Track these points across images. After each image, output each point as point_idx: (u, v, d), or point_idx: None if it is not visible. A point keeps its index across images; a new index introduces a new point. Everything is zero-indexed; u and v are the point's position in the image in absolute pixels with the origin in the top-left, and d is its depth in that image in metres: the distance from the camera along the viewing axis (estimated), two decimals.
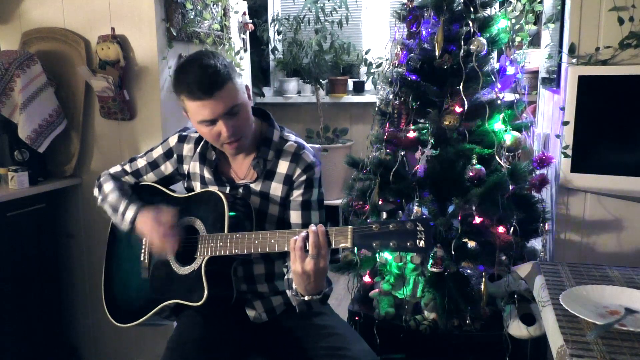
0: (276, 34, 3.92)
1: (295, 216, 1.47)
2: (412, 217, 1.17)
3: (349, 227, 1.21)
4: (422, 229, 1.15)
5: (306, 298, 1.30)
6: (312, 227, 1.23)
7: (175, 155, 1.58)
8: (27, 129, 2.09)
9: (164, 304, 1.45)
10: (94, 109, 2.28)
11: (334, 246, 1.22)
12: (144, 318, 1.50)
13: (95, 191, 1.65)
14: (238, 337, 1.45)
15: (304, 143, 1.53)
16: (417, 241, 1.14)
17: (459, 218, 1.85)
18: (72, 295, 2.45)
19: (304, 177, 1.46)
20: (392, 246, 1.16)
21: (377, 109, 2.17)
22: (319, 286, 1.28)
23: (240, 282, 1.52)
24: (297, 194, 1.47)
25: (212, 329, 1.39)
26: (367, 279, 2.12)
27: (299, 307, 1.37)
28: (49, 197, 2.24)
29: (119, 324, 1.56)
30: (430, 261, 1.89)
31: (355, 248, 1.22)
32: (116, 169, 1.66)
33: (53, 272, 2.32)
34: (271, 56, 4.01)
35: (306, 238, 1.22)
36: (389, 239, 1.16)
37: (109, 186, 1.60)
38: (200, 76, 1.32)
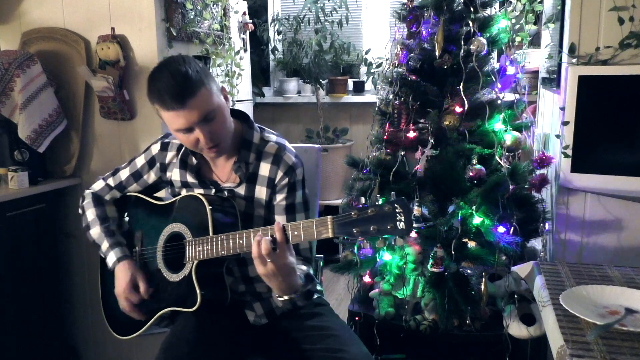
0: (276, 34, 3.92)
1: (280, 221, 1.45)
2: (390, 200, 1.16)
3: (329, 217, 1.20)
4: (401, 210, 1.13)
5: (286, 297, 1.31)
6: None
7: (158, 164, 1.57)
8: (27, 129, 2.09)
9: (160, 312, 1.45)
10: (94, 109, 2.28)
11: (316, 238, 1.21)
12: (143, 329, 1.50)
13: (80, 211, 1.65)
14: (235, 339, 1.44)
15: (285, 143, 1.52)
16: (397, 223, 1.13)
17: (459, 218, 1.85)
18: (72, 295, 2.45)
19: (285, 181, 1.45)
20: (372, 231, 1.15)
21: (377, 109, 2.17)
22: (292, 284, 1.28)
23: (238, 283, 1.52)
24: (280, 198, 1.46)
25: (207, 331, 1.39)
26: (367, 279, 2.13)
27: (284, 306, 1.38)
28: (49, 197, 2.24)
29: (120, 337, 1.56)
30: (431, 261, 1.90)
31: (339, 237, 1.22)
32: (100, 185, 1.64)
33: (53, 272, 2.32)
34: (271, 56, 4.02)
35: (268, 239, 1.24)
36: (369, 224, 1.15)
37: (91, 214, 1.59)
38: (171, 85, 1.28)
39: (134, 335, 1.53)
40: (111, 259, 1.51)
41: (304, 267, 1.43)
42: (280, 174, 1.45)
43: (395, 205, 1.14)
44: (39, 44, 2.28)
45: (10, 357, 2.10)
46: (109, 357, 2.45)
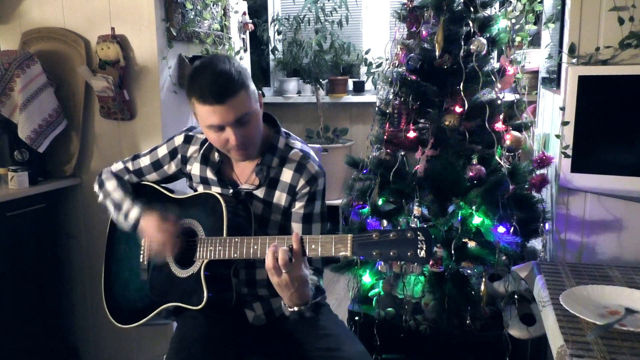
0: (276, 34, 3.92)
1: (296, 229, 1.47)
2: (412, 225, 1.17)
3: (349, 235, 1.20)
4: (423, 238, 1.14)
5: (295, 309, 1.31)
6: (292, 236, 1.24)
7: (179, 156, 1.57)
8: (27, 129, 2.09)
9: (164, 306, 1.45)
10: (94, 109, 2.28)
11: (333, 255, 1.21)
12: (144, 320, 1.50)
13: (96, 187, 1.65)
14: (235, 339, 1.45)
15: (310, 151, 1.52)
16: (418, 251, 1.14)
17: (459, 218, 1.85)
18: (72, 295, 2.45)
19: (307, 189, 1.46)
20: (392, 255, 1.16)
21: (377, 109, 2.16)
22: (304, 295, 1.28)
23: (241, 286, 1.52)
24: (299, 206, 1.47)
25: (214, 329, 1.39)
26: (367, 279, 2.12)
27: (291, 316, 1.38)
28: (49, 197, 2.24)
29: (120, 325, 1.56)
30: (431, 261, 1.89)
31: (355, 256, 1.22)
32: (118, 166, 1.65)
33: (53, 272, 2.32)
34: (271, 56, 4.02)
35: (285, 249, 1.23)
36: (389, 248, 1.16)
37: (111, 184, 1.60)
38: (214, 82, 1.30)
39: (135, 324, 1.52)
40: (134, 213, 1.51)
41: (315, 278, 1.43)
42: (302, 182, 1.46)
43: (418, 232, 1.15)
44: (39, 44, 2.28)
45: (10, 357, 2.10)
46: (109, 357, 2.45)
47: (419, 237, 1.14)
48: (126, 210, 1.53)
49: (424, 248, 1.14)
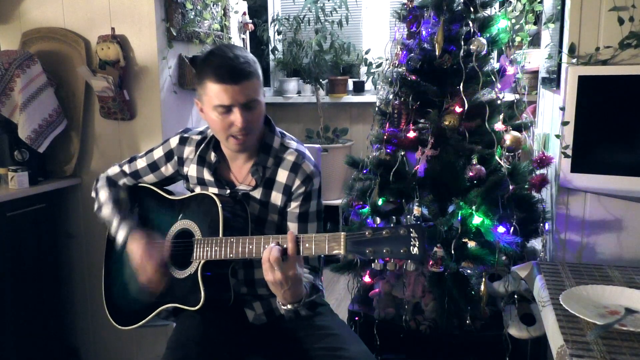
0: (276, 34, 3.92)
1: (292, 228, 1.47)
2: (407, 222, 1.15)
3: (342, 233, 1.20)
4: (416, 235, 1.14)
5: (288, 307, 1.30)
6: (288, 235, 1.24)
7: (175, 157, 1.57)
8: (27, 129, 2.09)
9: (162, 307, 1.45)
10: (94, 109, 2.28)
11: (327, 253, 1.21)
12: (144, 321, 1.50)
13: (93, 194, 1.65)
14: (235, 338, 1.45)
15: (305, 151, 1.52)
16: (411, 248, 1.13)
17: (459, 218, 1.85)
18: (72, 295, 2.46)
19: (302, 189, 1.46)
20: (385, 252, 1.15)
21: (377, 109, 2.16)
22: (296, 294, 1.28)
23: (240, 285, 1.52)
24: (294, 206, 1.47)
25: (211, 329, 1.39)
26: (367, 279, 2.12)
27: (286, 314, 1.38)
28: (49, 197, 2.24)
29: (120, 327, 1.56)
30: (430, 261, 1.89)
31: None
32: (115, 170, 1.65)
33: (53, 272, 2.32)
34: (271, 56, 4.01)
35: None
36: (383, 246, 1.15)
37: (104, 195, 1.60)
38: (232, 62, 1.35)
39: (135, 326, 1.52)
40: (122, 233, 1.51)
41: (310, 277, 1.43)
42: (297, 182, 1.46)
43: (411, 229, 1.14)
44: (39, 44, 2.28)
45: (10, 357, 2.10)
46: (109, 357, 2.45)
47: (411, 234, 1.14)
48: (115, 230, 1.53)
49: (417, 245, 1.13)
